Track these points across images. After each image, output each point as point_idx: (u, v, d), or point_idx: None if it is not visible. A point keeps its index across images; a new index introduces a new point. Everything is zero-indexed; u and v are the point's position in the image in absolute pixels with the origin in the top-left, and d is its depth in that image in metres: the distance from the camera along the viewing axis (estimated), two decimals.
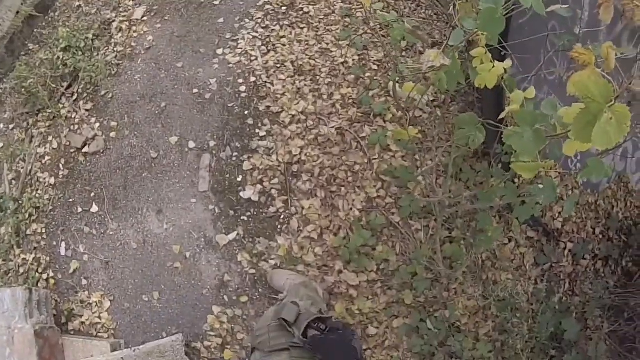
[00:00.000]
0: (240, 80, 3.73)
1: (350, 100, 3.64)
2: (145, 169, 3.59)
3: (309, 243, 3.31)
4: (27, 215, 3.68)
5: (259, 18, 4.02)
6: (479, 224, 3.23)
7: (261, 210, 3.39)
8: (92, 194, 3.61)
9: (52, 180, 3.73)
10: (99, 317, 3.35)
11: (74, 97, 3.95)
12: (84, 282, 3.45)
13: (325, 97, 3.66)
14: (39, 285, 3.49)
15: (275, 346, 1.94)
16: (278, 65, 3.77)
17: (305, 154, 3.48)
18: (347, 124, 3.56)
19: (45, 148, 3.86)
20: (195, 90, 3.74)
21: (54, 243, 3.58)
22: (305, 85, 3.70)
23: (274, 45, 3.88)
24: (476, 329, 3.25)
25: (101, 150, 3.71)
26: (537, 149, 1.62)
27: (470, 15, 1.70)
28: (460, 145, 2.15)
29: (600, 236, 3.70)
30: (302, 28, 3.97)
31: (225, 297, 3.26)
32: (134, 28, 4.16)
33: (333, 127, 3.54)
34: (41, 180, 3.77)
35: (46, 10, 4.59)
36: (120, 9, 4.33)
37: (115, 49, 4.08)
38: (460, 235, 3.30)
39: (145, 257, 3.40)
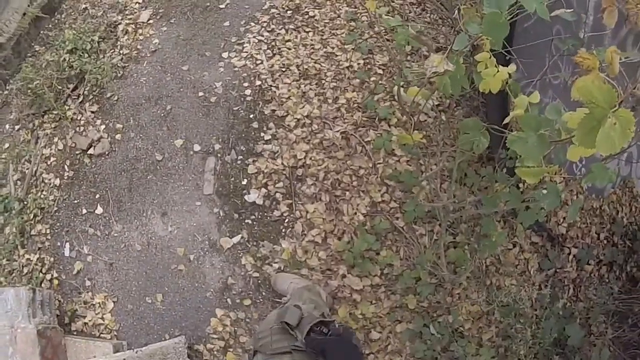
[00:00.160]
0: (246, 84, 3.74)
1: (355, 104, 3.64)
2: (150, 171, 3.60)
3: (313, 247, 3.31)
4: (31, 216, 3.69)
5: (265, 22, 4.03)
6: (483, 229, 3.21)
7: (265, 214, 3.39)
8: (97, 196, 3.62)
9: (57, 182, 3.75)
10: (102, 318, 3.36)
11: (80, 99, 3.97)
12: (88, 283, 3.46)
13: (330, 101, 3.66)
14: (43, 285, 3.51)
15: (278, 349, 1.94)
16: (283, 69, 3.78)
17: (310, 158, 3.48)
18: (352, 128, 3.56)
19: (51, 149, 3.88)
20: (200, 93, 3.75)
21: (58, 244, 3.59)
22: (311, 89, 3.71)
23: (279, 48, 3.89)
24: (479, 334, 3.24)
25: (106, 152, 3.73)
26: (542, 154, 1.61)
27: (474, 19, 1.70)
28: (464, 150, 2.14)
29: (605, 241, 3.68)
30: (307, 32, 3.98)
31: (229, 300, 3.26)
32: (140, 31, 4.18)
33: (338, 131, 3.55)
34: (46, 181, 3.78)
35: (52, 12, 4.62)
36: (127, 12, 4.36)
37: (121, 52, 4.11)
38: (464, 240, 3.30)
39: (149, 259, 3.41)
